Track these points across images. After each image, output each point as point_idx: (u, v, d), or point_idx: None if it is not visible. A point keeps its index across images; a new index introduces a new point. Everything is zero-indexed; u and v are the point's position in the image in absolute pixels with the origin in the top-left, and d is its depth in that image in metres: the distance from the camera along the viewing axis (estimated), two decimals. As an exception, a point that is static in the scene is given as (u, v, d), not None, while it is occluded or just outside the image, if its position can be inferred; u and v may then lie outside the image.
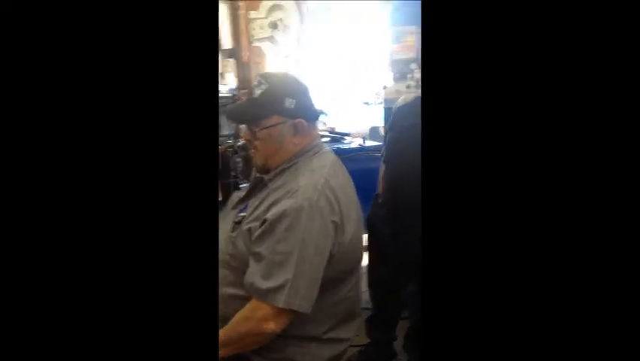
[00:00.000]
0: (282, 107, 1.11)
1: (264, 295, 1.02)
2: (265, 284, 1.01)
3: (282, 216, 1.03)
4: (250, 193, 1.21)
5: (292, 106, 1.11)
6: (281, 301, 1.00)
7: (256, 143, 1.15)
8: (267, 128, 1.12)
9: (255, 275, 1.03)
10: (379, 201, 1.86)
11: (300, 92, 1.14)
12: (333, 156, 1.21)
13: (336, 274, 1.12)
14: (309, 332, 1.10)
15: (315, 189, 1.07)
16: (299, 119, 1.13)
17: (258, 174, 1.21)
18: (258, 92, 1.12)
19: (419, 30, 2.51)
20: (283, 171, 1.14)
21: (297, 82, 1.16)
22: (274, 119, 1.12)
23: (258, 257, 1.04)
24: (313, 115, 1.18)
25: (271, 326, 1.02)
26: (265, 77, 1.14)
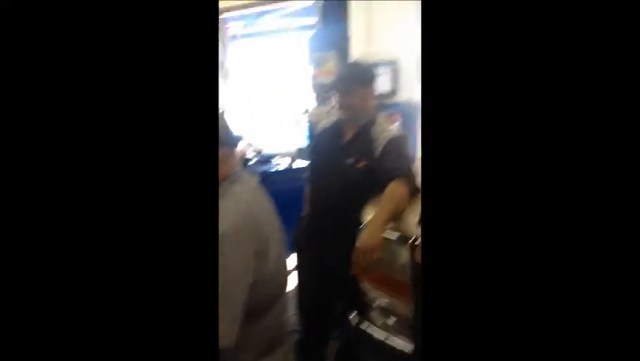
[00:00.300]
0: None
1: None
2: None
3: None
4: None
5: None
6: None
7: None
8: None
9: None
10: (305, 222, 1.90)
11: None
12: (254, 182, 1.23)
13: (260, 302, 1.11)
14: None
15: (237, 216, 1.07)
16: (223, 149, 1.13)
17: None
18: None
19: (337, 55, 2.62)
20: None
21: None
22: None
23: None
24: (232, 141, 1.19)
25: None
26: None
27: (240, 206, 1.10)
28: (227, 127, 1.18)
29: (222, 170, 1.15)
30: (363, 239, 1.46)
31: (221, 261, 0.99)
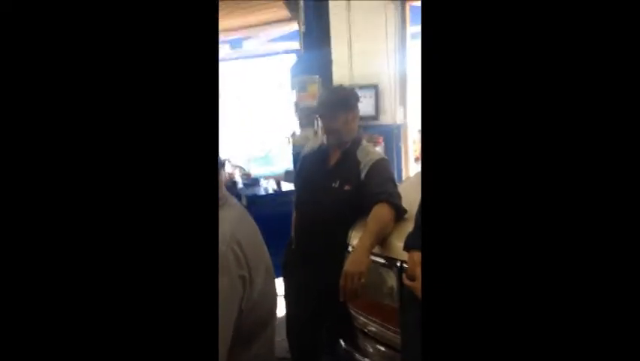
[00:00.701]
0: None
1: None
2: None
3: None
4: None
5: None
6: None
7: None
8: None
9: None
10: (292, 246, 1.89)
11: None
12: (239, 208, 1.22)
13: (247, 330, 1.10)
14: None
15: (222, 243, 1.07)
16: None
17: None
18: None
19: (320, 79, 2.66)
20: None
21: None
22: None
23: None
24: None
25: None
26: None
27: (224, 232, 1.09)
28: None
29: None
30: (350, 263, 1.46)
31: None
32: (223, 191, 1.20)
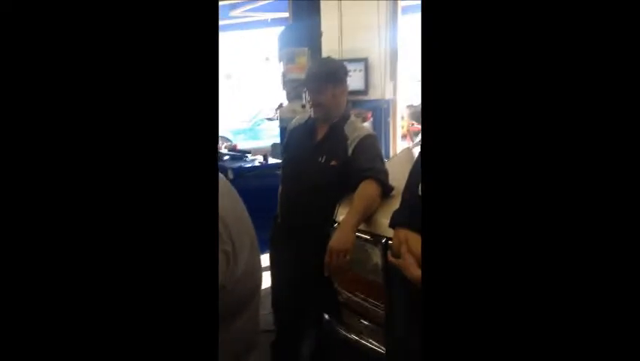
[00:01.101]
0: None
1: None
2: None
3: None
4: None
5: None
6: None
7: None
8: None
9: None
10: (278, 220, 1.88)
11: None
12: (222, 181, 1.20)
13: (230, 307, 1.10)
14: None
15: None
16: None
17: None
18: None
19: (310, 51, 2.60)
20: None
21: None
22: None
23: None
24: None
25: None
26: None
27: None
28: None
29: None
30: (336, 239, 1.46)
31: None
32: None
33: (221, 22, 4.52)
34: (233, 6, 4.23)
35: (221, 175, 1.21)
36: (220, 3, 3.91)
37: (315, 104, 1.74)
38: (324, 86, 1.70)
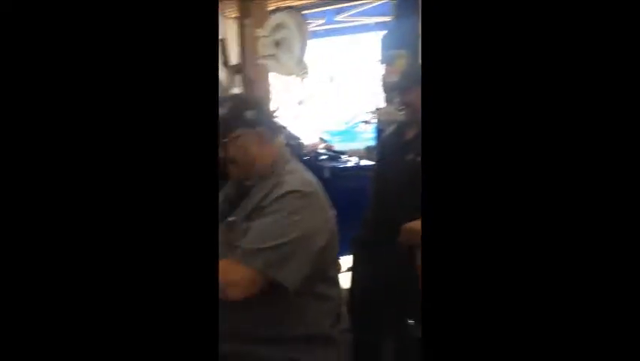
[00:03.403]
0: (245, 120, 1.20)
1: (248, 256, 1.05)
2: (251, 245, 1.06)
3: (285, 196, 1.11)
4: (234, 201, 1.25)
5: (254, 117, 1.21)
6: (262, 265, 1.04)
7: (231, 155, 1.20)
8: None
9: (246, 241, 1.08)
10: (367, 220, 1.90)
11: (258, 105, 1.28)
12: (301, 165, 1.29)
13: (326, 268, 1.18)
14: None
15: (312, 182, 1.16)
16: (261, 128, 1.21)
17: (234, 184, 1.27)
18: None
19: (409, 54, 2.58)
20: (265, 177, 1.20)
21: (254, 97, 1.27)
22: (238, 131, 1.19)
23: (253, 228, 1.10)
24: (273, 125, 1.30)
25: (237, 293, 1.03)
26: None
27: (308, 176, 1.19)
28: (268, 111, 1.28)
29: (272, 152, 1.21)
30: (418, 222, 1.46)
31: (298, 217, 1.08)
32: (287, 154, 1.28)
33: (327, 27, 4.65)
34: (339, 10, 4.34)
35: (312, 176, 1.27)
36: (325, 8, 4.03)
37: (404, 105, 1.75)
38: (412, 86, 1.71)
